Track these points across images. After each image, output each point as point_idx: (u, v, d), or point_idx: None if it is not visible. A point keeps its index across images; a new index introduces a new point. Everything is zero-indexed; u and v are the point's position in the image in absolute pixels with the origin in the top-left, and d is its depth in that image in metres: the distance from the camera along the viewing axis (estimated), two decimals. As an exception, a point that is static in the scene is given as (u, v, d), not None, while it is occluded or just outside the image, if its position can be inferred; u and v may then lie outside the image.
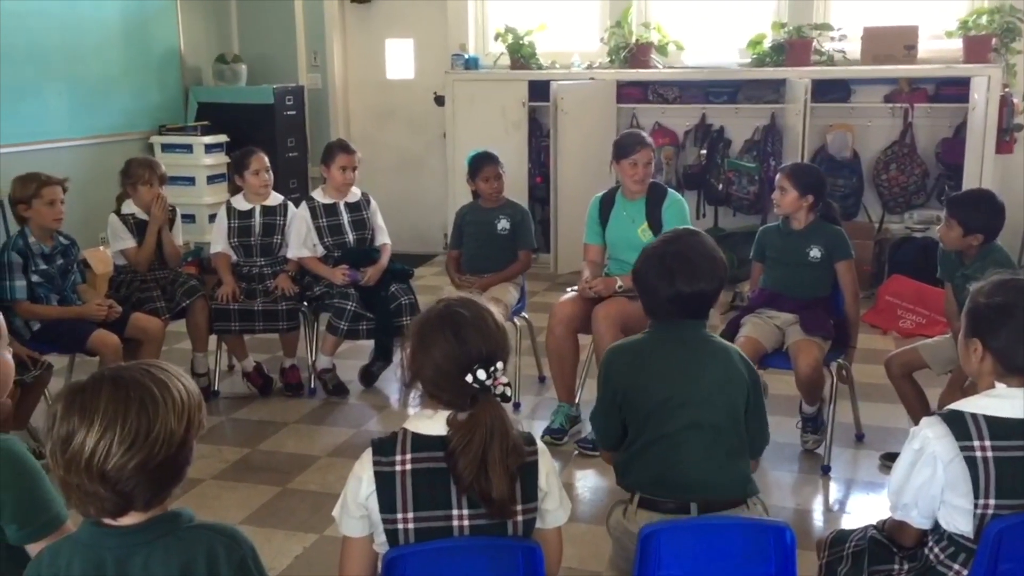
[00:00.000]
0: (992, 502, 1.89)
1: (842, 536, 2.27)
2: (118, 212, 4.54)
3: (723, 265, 2.35)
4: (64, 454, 1.45)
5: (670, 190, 4.24)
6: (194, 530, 1.55)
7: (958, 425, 1.93)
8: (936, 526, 2.00)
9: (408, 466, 1.79)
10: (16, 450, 1.85)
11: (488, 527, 1.80)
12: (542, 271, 6.69)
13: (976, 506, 1.89)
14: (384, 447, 1.82)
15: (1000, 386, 1.98)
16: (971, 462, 1.90)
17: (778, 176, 3.92)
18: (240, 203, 4.74)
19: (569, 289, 4.24)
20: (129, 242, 4.48)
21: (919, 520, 2.00)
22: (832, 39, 6.52)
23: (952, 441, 1.91)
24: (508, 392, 1.82)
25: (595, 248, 4.30)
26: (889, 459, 3.79)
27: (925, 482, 1.94)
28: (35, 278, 3.98)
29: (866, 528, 2.26)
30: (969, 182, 5.86)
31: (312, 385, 4.68)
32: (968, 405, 1.97)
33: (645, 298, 2.36)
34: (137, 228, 4.52)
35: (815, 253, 3.79)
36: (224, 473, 3.77)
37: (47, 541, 1.77)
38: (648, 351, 2.32)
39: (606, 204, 4.27)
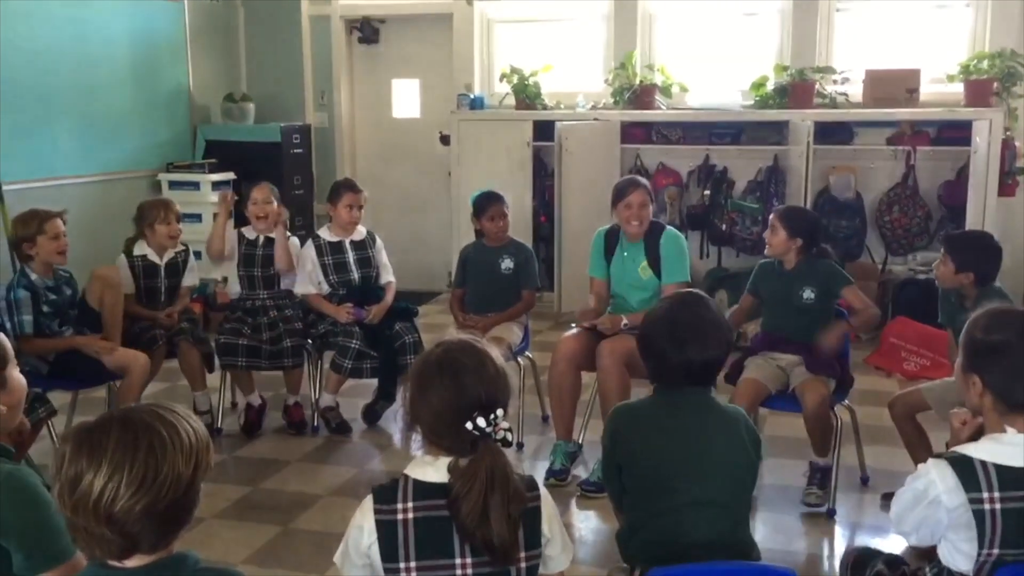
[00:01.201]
0: (996, 551, 1.88)
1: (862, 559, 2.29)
2: (128, 253, 4.56)
3: (730, 331, 2.39)
4: (72, 495, 1.45)
5: (668, 227, 4.28)
6: (199, 573, 1.55)
7: (967, 474, 1.90)
8: (935, 556, 2.00)
9: (410, 515, 1.78)
10: (29, 481, 1.86)
11: (491, 574, 1.79)
12: (546, 310, 6.70)
13: (980, 554, 1.88)
14: (385, 495, 1.81)
15: (1010, 431, 1.95)
16: (979, 515, 1.87)
17: (771, 216, 3.95)
18: (249, 232, 4.78)
19: (573, 324, 4.24)
20: (127, 290, 4.48)
21: (917, 542, 2.01)
22: (835, 82, 6.58)
23: (961, 492, 1.89)
24: (509, 437, 1.81)
25: (600, 281, 4.32)
26: (889, 499, 3.77)
27: (925, 519, 1.94)
28: (46, 308, 4.02)
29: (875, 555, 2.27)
30: (971, 224, 5.89)
31: (315, 423, 4.67)
32: (978, 450, 1.94)
33: (652, 363, 2.34)
34: (145, 271, 4.54)
35: (808, 295, 3.79)
36: (226, 512, 3.76)
37: (52, 574, 1.79)
38: (653, 418, 2.30)
39: (610, 240, 4.30)
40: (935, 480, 1.91)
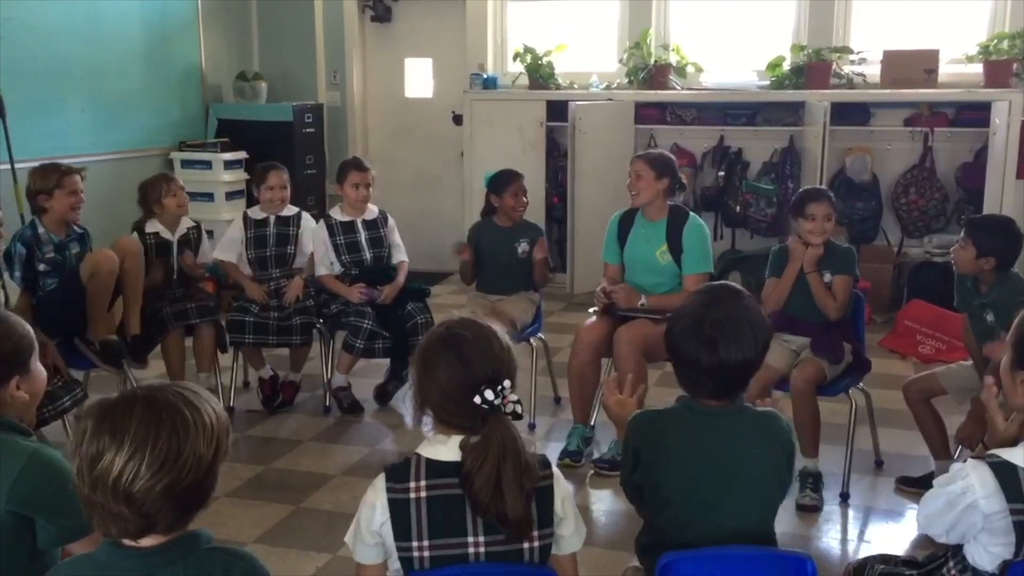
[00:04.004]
0: None
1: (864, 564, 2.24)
2: (140, 232, 4.53)
3: (768, 329, 2.11)
4: (91, 473, 1.44)
5: (692, 214, 4.20)
6: (212, 552, 1.54)
7: (1010, 482, 1.83)
8: (959, 551, 1.97)
9: (423, 493, 1.77)
10: (55, 456, 1.89)
11: (504, 553, 1.78)
12: (558, 291, 6.68)
13: (1013, 559, 1.85)
14: (397, 473, 1.80)
15: None
16: (1020, 525, 1.82)
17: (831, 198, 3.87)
18: (255, 213, 4.77)
19: (591, 311, 4.21)
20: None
21: (946, 542, 1.97)
22: (852, 62, 6.52)
23: (1000, 498, 1.83)
24: (519, 410, 1.80)
25: (613, 267, 4.28)
26: (905, 483, 3.76)
27: (958, 523, 1.89)
28: (41, 267, 4.02)
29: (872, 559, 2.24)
30: (989, 207, 5.83)
31: (327, 403, 4.67)
32: (1019, 456, 1.87)
33: (681, 368, 2.08)
34: (157, 248, 4.52)
35: (827, 278, 3.76)
36: (239, 491, 3.77)
37: (78, 546, 1.83)
38: (679, 436, 2.07)
39: (625, 223, 4.25)
40: (974, 484, 1.85)
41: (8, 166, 5.59)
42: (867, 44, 6.53)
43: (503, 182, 4.59)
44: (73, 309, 4.05)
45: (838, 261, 3.77)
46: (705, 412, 2.06)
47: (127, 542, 1.50)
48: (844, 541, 3.45)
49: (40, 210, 4.06)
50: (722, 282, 2.35)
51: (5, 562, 1.86)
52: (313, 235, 4.75)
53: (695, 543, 1.98)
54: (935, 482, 1.97)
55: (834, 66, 6.51)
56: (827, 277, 3.76)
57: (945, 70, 6.33)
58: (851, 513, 3.63)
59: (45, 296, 4.06)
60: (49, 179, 4.03)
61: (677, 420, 2.09)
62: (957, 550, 1.97)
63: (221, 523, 3.41)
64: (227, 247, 4.74)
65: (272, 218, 4.73)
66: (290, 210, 4.80)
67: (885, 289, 6.23)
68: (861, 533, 3.54)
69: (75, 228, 4.18)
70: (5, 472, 1.84)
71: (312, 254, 4.73)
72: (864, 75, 6.48)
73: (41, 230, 4.04)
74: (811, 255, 3.74)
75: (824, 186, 5.72)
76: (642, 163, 4.12)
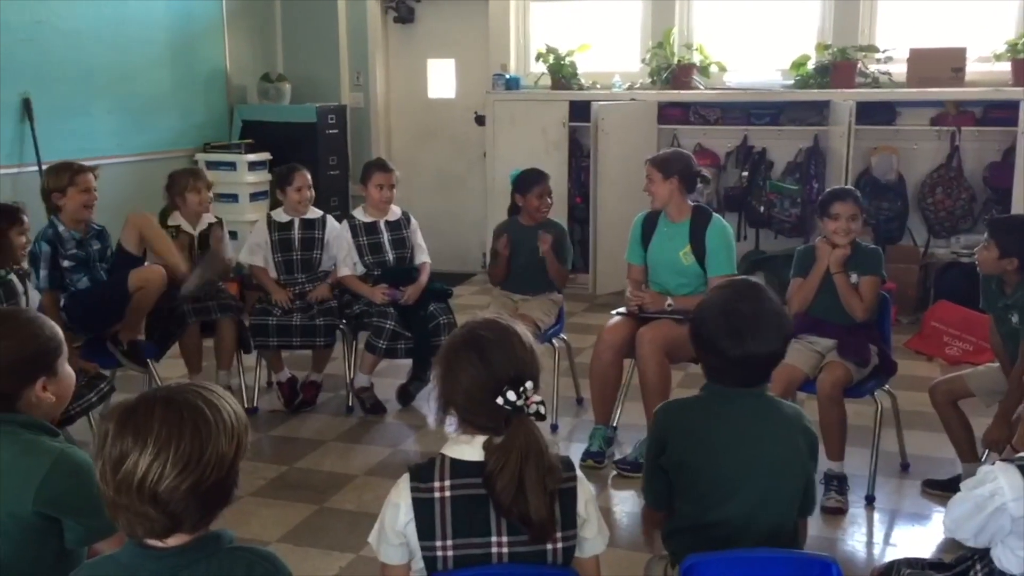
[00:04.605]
0: None
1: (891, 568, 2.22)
2: (164, 224, 4.59)
3: (790, 322, 2.22)
4: (116, 475, 1.44)
5: (715, 215, 4.17)
6: (235, 552, 1.55)
7: None
8: (986, 554, 1.95)
9: (447, 493, 1.77)
10: (82, 456, 1.91)
11: (527, 554, 1.78)
12: (581, 291, 6.67)
13: None
14: (422, 473, 1.80)
15: None
16: None
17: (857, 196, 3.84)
18: (280, 216, 4.79)
19: (614, 312, 4.20)
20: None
21: (974, 546, 1.95)
22: (878, 61, 6.46)
23: None
24: (542, 410, 1.80)
25: (637, 268, 4.26)
26: (931, 486, 3.72)
27: (986, 527, 1.86)
28: (65, 263, 4.06)
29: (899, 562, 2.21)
30: (1017, 207, 5.77)
31: (350, 403, 4.69)
32: None
33: (710, 359, 2.17)
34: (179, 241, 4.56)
35: (853, 279, 3.73)
36: (262, 490, 3.79)
37: (106, 544, 1.85)
38: (706, 421, 2.15)
39: (648, 224, 4.24)
40: (1003, 487, 1.82)
41: (36, 168, 5.67)
42: (893, 42, 6.46)
43: (529, 183, 4.58)
44: (103, 310, 4.09)
45: (865, 262, 3.73)
46: (730, 395, 2.14)
47: (151, 542, 1.50)
48: (869, 544, 3.42)
49: (55, 208, 4.12)
50: (742, 277, 2.43)
51: (33, 562, 1.88)
52: (338, 235, 4.76)
53: (718, 524, 2.06)
54: (962, 485, 1.95)
55: (859, 65, 6.45)
56: (854, 278, 3.72)
57: (972, 68, 6.26)
58: (876, 516, 3.59)
59: (75, 294, 4.11)
60: (62, 177, 4.10)
61: (703, 403, 2.18)
62: (984, 554, 1.95)
63: (245, 522, 3.43)
64: (253, 251, 4.76)
65: (297, 221, 4.75)
66: (314, 213, 4.82)
67: (911, 290, 6.17)
68: (887, 536, 3.51)
69: (93, 226, 4.23)
70: (33, 473, 1.85)
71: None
72: (890, 74, 6.42)
73: (61, 228, 4.10)
74: (838, 256, 3.71)
75: (850, 185, 5.69)
76: (648, 166, 4.12)
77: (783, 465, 2.11)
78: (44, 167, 5.63)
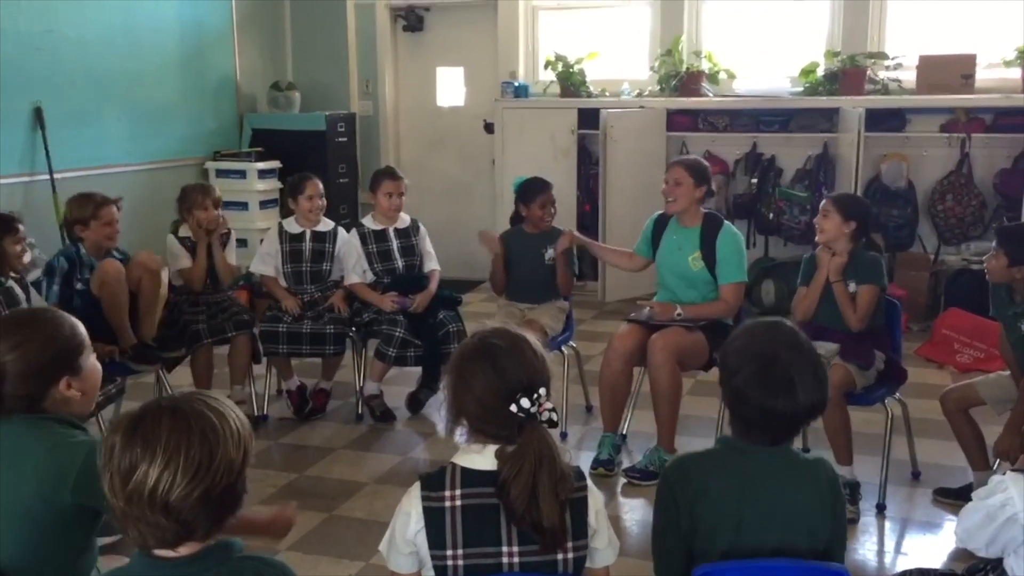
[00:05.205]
0: None
1: None
2: (175, 234, 4.62)
3: (826, 370, 1.99)
4: (125, 486, 1.44)
5: (726, 223, 4.18)
6: (244, 561, 1.55)
7: None
8: (999, 564, 1.94)
9: (458, 502, 1.77)
10: None
11: (538, 564, 1.77)
12: (590, 299, 6.67)
13: None
14: (432, 482, 1.80)
15: None
16: None
17: (822, 203, 3.88)
18: (292, 226, 4.80)
19: (626, 320, 4.18)
20: (186, 261, 4.55)
21: (986, 555, 1.93)
22: (887, 68, 6.45)
23: None
24: (554, 418, 1.80)
25: (640, 258, 4.37)
26: (943, 495, 3.70)
27: (998, 537, 1.86)
28: (79, 286, 4.07)
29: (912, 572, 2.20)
30: (1029, 214, 5.74)
31: (359, 411, 4.69)
32: None
33: (741, 410, 1.94)
34: (193, 251, 4.58)
35: (851, 288, 3.72)
36: (272, 498, 3.78)
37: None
38: (723, 473, 1.94)
39: (660, 225, 4.25)
40: (1014, 497, 1.82)
41: (47, 176, 5.70)
42: (902, 49, 6.45)
43: (532, 192, 4.58)
44: (97, 323, 4.09)
45: (862, 271, 3.72)
46: (751, 452, 1.94)
47: (161, 553, 1.51)
48: (880, 553, 3.41)
49: (77, 238, 4.13)
50: (773, 319, 2.08)
51: (59, 549, 1.91)
52: (346, 243, 4.77)
53: None
54: (974, 495, 1.95)
55: (869, 72, 6.44)
56: (852, 287, 3.71)
57: (982, 75, 6.25)
58: (888, 524, 3.58)
59: (74, 313, 4.11)
60: (85, 209, 4.09)
61: (721, 461, 1.98)
62: (997, 564, 1.94)
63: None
64: (264, 261, 4.77)
65: (308, 233, 4.77)
66: (326, 224, 4.83)
67: (921, 297, 6.15)
68: (898, 545, 3.49)
69: (114, 252, 4.23)
70: (69, 465, 1.88)
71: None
72: (900, 81, 6.41)
73: (83, 251, 4.11)
74: (834, 264, 3.71)
75: (858, 194, 5.67)
76: (682, 170, 4.10)
77: (813, 526, 1.92)
78: (55, 176, 5.67)
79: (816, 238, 3.85)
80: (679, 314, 3.99)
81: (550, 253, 4.55)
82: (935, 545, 3.45)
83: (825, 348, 3.68)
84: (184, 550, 1.51)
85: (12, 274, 3.71)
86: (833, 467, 2.02)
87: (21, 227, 3.76)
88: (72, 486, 1.87)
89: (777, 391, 1.85)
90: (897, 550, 3.45)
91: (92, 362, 2.09)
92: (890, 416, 3.68)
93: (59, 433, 1.94)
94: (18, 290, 3.70)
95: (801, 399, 1.86)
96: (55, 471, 1.88)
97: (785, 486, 1.92)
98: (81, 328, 2.08)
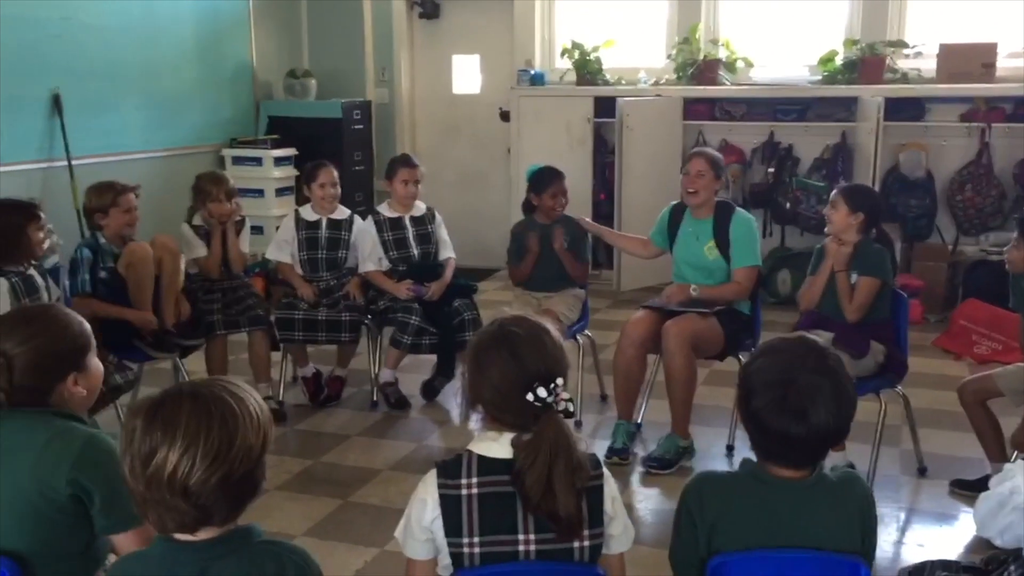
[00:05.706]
0: None
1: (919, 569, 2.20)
2: (190, 223, 4.63)
3: (855, 394, 1.86)
4: (146, 469, 1.45)
5: (738, 208, 4.18)
6: (265, 545, 1.56)
7: None
8: (1020, 554, 1.93)
9: (475, 490, 1.77)
10: (109, 443, 1.94)
11: (554, 552, 1.78)
12: (605, 288, 6.66)
13: None
14: (449, 469, 1.80)
15: None
16: None
17: (832, 194, 3.87)
18: (308, 213, 4.80)
19: (640, 308, 4.18)
20: (201, 250, 4.56)
21: (1003, 545, 1.93)
22: (907, 56, 6.40)
23: None
24: (571, 407, 1.80)
25: (654, 246, 4.40)
26: (960, 486, 3.68)
27: (1011, 525, 1.86)
28: (102, 275, 4.09)
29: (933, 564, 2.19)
30: (1049, 204, 5.69)
31: (374, 398, 4.71)
32: None
33: (756, 435, 1.86)
34: (207, 239, 4.59)
35: (853, 279, 3.70)
36: (287, 484, 3.81)
37: (128, 539, 1.89)
38: (746, 505, 1.86)
39: (676, 215, 4.24)
40: (1020, 485, 1.83)
41: (65, 162, 5.73)
42: (922, 38, 6.40)
43: (544, 182, 4.57)
44: (126, 303, 4.12)
45: (865, 262, 3.71)
46: (777, 484, 1.85)
47: (181, 537, 1.52)
48: (897, 544, 3.39)
49: (96, 227, 4.15)
50: (798, 336, 1.98)
51: (64, 545, 1.92)
52: (363, 231, 4.78)
53: None
54: (990, 484, 1.94)
55: (888, 60, 6.39)
56: (854, 278, 3.70)
57: (1003, 64, 6.19)
58: (903, 516, 3.57)
59: (100, 300, 4.14)
60: (104, 197, 4.10)
61: (745, 490, 1.87)
62: (1019, 554, 1.93)
63: (270, 516, 3.46)
64: (280, 248, 4.78)
65: (324, 220, 4.77)
66: (342, 212, 4.83)
67: (939, 288, 6.11)
68: (913, 536, 3.48)
69: (133, 240, 4.25)
70: (66, 453, 1.89)
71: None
72: (919, 70, 6.36)
73: (102, 241, 4.13)
74: (840, 254, 3.70)
75: (876, 184, 5.64)
76: (704, 162, 4.09)
77: (842, 551, 1.84)
78: (73, 162, 5.70)
79: (825, 229, 3.84)
80: (694, 289, 3.99)
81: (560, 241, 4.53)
82: (951, 536, 3.43)
83: (823, 337, 3.67)
84: (204, 534, 1.52)
85: (34, 261, 3.74)
86: (865, 483, 1.95)
87: (43, 215, 3.78)
88: (67, 476, 1.88)
89: (793, 417, 1.76)
90: (913, 541, 3.42)
91: (96, 362, 2.11)
92: (883, 408, 3.66)
93: (57, 425, 1.95)
94: (38, 278, 3.72)
95: (818, 425, 1.76)
96: (51, 461, 1.89)
97: (809, 524, 1.83)
98: (87, 327, 2.10)
